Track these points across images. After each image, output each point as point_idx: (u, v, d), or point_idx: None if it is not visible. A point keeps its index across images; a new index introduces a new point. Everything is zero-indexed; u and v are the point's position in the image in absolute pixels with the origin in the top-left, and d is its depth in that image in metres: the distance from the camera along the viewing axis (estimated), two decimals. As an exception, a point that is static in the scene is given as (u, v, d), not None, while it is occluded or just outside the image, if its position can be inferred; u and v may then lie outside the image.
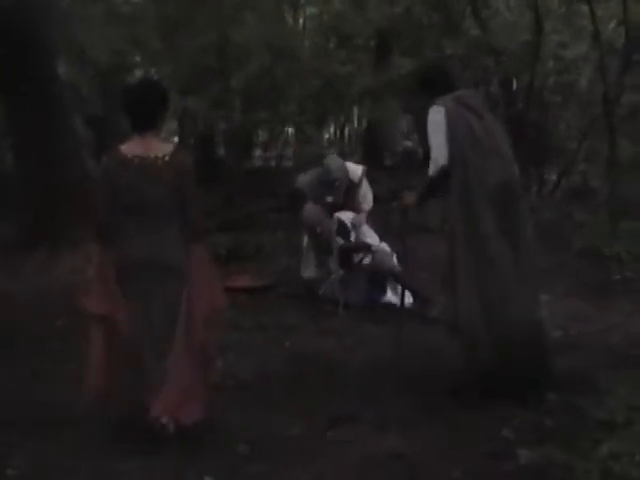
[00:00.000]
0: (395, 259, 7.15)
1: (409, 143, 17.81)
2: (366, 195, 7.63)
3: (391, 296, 7.09)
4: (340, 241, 7.33)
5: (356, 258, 7.34)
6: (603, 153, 11.19)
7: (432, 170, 4.81)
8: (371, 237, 7.48)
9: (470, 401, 4.49)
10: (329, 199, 7.42)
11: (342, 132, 20.02)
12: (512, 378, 4.59)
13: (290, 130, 18.82)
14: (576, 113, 12.80)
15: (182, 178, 4.17)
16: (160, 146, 4.24)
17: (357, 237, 7.44)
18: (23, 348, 5.73)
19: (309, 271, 7.60)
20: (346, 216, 7.43)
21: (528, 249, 4.85)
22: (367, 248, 7.34)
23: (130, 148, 4.19)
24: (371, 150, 16.22)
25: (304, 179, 7.78)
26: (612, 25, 11.66)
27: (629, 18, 10.00)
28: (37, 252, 8.11)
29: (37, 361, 5.43)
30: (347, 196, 7.52)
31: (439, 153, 4.76)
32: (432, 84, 5.11)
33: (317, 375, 5.14)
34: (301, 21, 17.27)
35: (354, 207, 7.55)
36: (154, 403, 4.05)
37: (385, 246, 7.39)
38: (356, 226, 7.45)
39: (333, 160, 7.71)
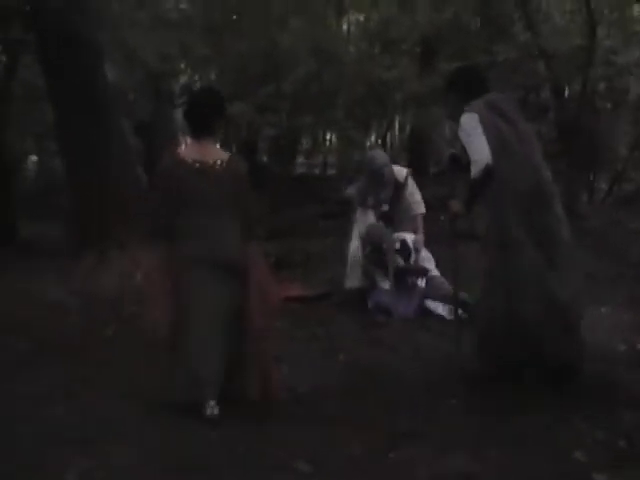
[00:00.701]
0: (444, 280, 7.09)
1: (453, 150, 17.56)
2: (414, 195, 7.52)
3: (442, 309, 6.93)
4: (400, 261, 7.21)
5: (410, 280, 7.20)
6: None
7: (475, 172, 4.73)
8: (429, 262, 7.37)
9: (537, 419, 4.34)
10: (379, 199, 7.40)
11: (384, 139, 19.85)
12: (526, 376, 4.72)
13: (332, 137, 18.74)
14: (627, 119, 12.56)
15: (238, 182, 4.54)
16: (217, 152, 4.59)
17: (416, 260, 7.32)
18: (71, 356, 5.62)
19: (352, 281, 7.48)
20: (409, 237, 7.32)
21: (566, 255, 4.82)
22: (424, 272, 7.25)
23: (189, 152, 4.53)
24: (415, 157, 16.06)
25: (352, 188, 7.71)
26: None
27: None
28: (85, 257, 8.08)
29: (85, 370, 5.31)
30: (395, 198, 7.46)
31: (482, 153, 4.69)
32: (463, 87, 5.10)
33: (374, 389, 4.97)
34: (345, 27, 17.14)
35: (403, 209, 7.47)
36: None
37: (438, 273, 7.29)
38: (418, 249, 7.33)
39: (376, 152, 7.92)
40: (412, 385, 5.06)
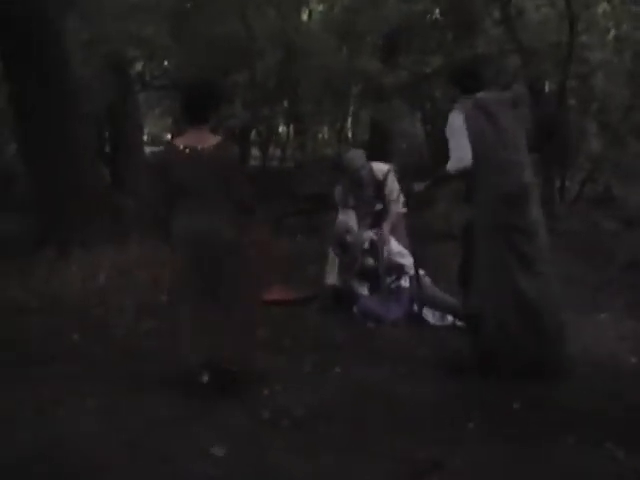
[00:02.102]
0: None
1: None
2: (392, 193, 7.11)
3: (432, 317, 6.53)
4: (370, 261, 6.82)
5: (391, 281, 6.78)
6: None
7: (452, 166, 4.95)
8: (402, 257, 6.86)
9: (565, 444, 3.98)
10: (360, 199, 7.11)
11: (340, 132, 19.38)
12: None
13: (287, 129, 18.30)
14: (597, 119, 12.36)
15: (227, 165, 4.72)
16: (210, 138, 4.75)
17: (388, 257, 6.86)
18: (31, 369, 5.08)
19: (331, 278, 7.09)
20: (373, 234, 6.96)
21: (542, 257, 5.00)
22: (401, 269, 6.80)
23: (184, 140, 4.78)
24: (375, 152, 15.67)
25: (337, 189, 7.32)
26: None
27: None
28: (46, 256, 7.56)
29: (47, 386, 4.73)
30: (376, 196, 7.14)
31: (463, 153, 4.89)
32: (456, 82, 5.25)
33: (381, 410, 4.51)
34: (305, 16, 16.65)
35: (385, 207, 7.13)
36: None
37: (421, 271, 6.84)
38: (383, 242, 6.89)
39: (354, 153, 7.51)
40: (419, 404, 4.63)
